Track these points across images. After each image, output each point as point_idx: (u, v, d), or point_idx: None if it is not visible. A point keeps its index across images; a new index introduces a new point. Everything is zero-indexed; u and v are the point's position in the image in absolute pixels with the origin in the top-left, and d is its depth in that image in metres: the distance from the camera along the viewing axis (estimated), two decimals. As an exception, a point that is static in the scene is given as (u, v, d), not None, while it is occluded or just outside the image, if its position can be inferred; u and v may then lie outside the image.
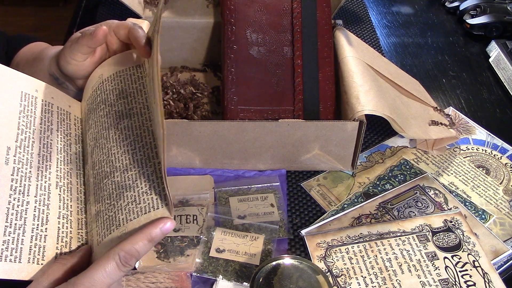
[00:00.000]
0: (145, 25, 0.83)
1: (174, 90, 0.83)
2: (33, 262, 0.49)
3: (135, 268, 0.61)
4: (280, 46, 0.75)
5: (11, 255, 0.47)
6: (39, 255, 0.50)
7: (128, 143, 0.54)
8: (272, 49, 0.75)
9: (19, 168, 0.52)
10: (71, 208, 0.55)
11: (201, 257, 0.62)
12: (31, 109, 0.57)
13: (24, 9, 2.56)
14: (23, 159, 0.53)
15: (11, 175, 0.51)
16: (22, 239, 0.49)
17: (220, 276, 0.60)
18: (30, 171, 0.53)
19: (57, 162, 0.57)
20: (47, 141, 0.57)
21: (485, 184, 0.73)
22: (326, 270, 0.61)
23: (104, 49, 0.64)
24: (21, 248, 0.48)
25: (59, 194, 0.54)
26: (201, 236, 0.64)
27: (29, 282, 0.48)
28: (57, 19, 2.43)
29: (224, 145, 0.70)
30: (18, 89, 0.57)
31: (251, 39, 0.75)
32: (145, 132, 0.55)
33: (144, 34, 0.60)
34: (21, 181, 0.51)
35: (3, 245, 0.47)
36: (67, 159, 0.58)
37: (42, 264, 0.50)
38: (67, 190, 0.56)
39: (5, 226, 0.48)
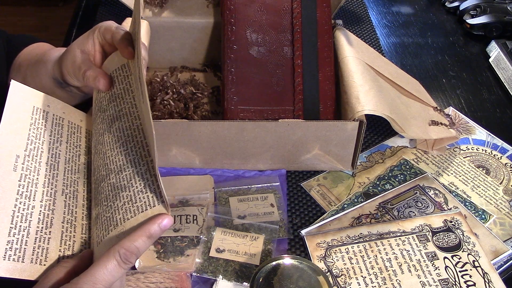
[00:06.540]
0: (144, 25, 0.83)
1: (174, 90, 0.83)
2: (36, 263, 0.50)
3: (135, 268, 0.61)
4: (280, 46, 0.75)
5: (14, 254, 0.49)
6: (42, 256, 0.51)
7: (120, 145, 0.56)
8: (272, 49, 0.75)
9: (27, 175, 0.54)
10: (75, 214, 0.57)
11: (201, 257, 0.62)
12: (42, 122, 0.60)
13: (24, 9, 2.56)
14: (31, 167, 0.55)
15: (19, 181, 0.53)
16: (26, 241, 0.51)
17: (220, 276, 0.60)
18: (37, 178, 0.55)
19: (65, 171, 0.59)
20: (56, 152, 0.60)
21: (485, 184, 0.73)
22: (326, 270, 0.61)
23: (103, 54, 0.65)
24: (24, 248, 0.50)
25: (64, 201, 0.57)
26: (201, 236, 0.64)
27: (32, 282, 0.49)
28: (57, 19, 2.43)
29: (224, 145, 0.70)
30: (30, 104, 0.60)
31: (251, 39, 0.75)
32: (135, 131, 0.56)
33: (127, 36, 0.61)
34: (27, 186, 0.54)
35: (7, 245, 0.49)
36: (75, 169, 0.61)
37: (44, 265, 0.51)
38: (73, 197, 0.58)
39: (10, 227, 0.50)
